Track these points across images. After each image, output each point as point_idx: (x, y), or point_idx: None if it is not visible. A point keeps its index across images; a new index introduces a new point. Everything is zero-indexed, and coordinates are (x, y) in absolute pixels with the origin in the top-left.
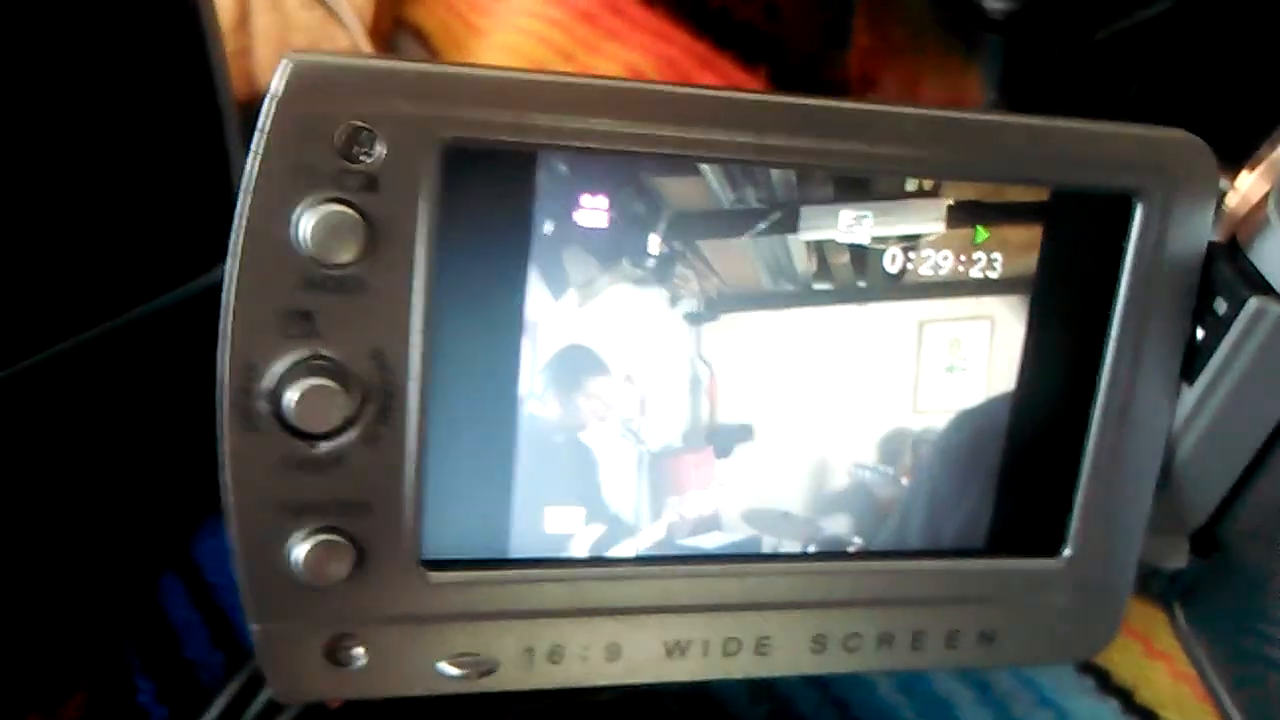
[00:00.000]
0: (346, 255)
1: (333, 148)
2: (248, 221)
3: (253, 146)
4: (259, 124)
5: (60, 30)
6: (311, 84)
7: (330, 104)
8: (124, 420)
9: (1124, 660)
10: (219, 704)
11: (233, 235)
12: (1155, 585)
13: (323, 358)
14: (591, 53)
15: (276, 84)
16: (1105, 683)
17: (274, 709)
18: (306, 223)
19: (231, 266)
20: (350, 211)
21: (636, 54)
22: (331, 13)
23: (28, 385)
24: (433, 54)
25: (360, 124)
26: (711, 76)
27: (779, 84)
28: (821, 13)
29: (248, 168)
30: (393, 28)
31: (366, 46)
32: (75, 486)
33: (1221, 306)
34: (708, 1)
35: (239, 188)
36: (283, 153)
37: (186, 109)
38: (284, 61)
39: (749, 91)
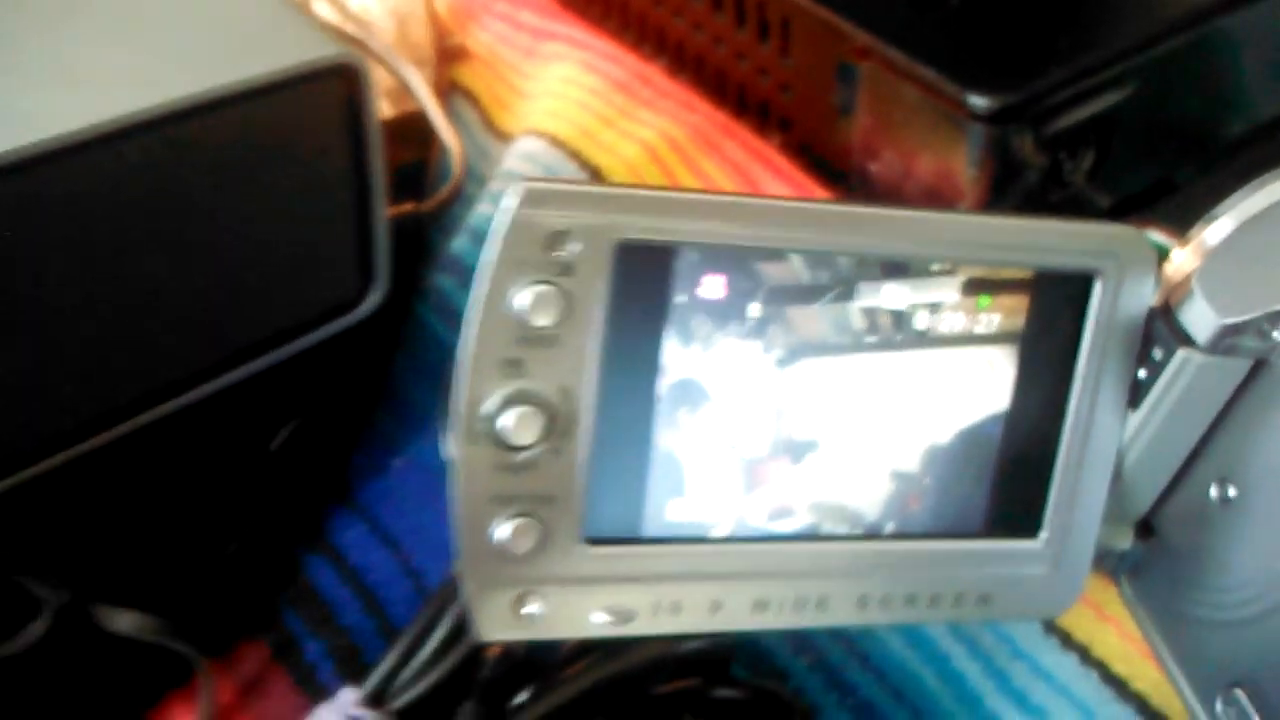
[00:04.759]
0: (548, 320)
1: (543, 244)
2: (481, 295)
3: (489, 240)
4: (494, 225)
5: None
6: (533, 200)
7: (544, 214)
8: (274, 431)
9: (1081, 623)
10: (398, 648)
11: (469, 306)
12: (1106, 563)
13: (527, 391)
14: (628, 119)
15: (510, 199)
16: (1067, 640)
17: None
18: (522, 296)
19: (467, 327)
20: (552, 289)
21: (667, 121)
22: (390, 70)
23: (217, 403)
24: (482, 114)
25: (563, 229)
26: (732, 142)
27: (791, 150)
28: (829, 93)
29: (483, 257)
30: (449, 89)
31: (431, 101)
32: (238, 478)
33: (1158, 354)
34: (727, 77)
35: (377, 248)
36: (509, 247)
37: (348, 188)
38: (519, 185)
39: (824, 202)
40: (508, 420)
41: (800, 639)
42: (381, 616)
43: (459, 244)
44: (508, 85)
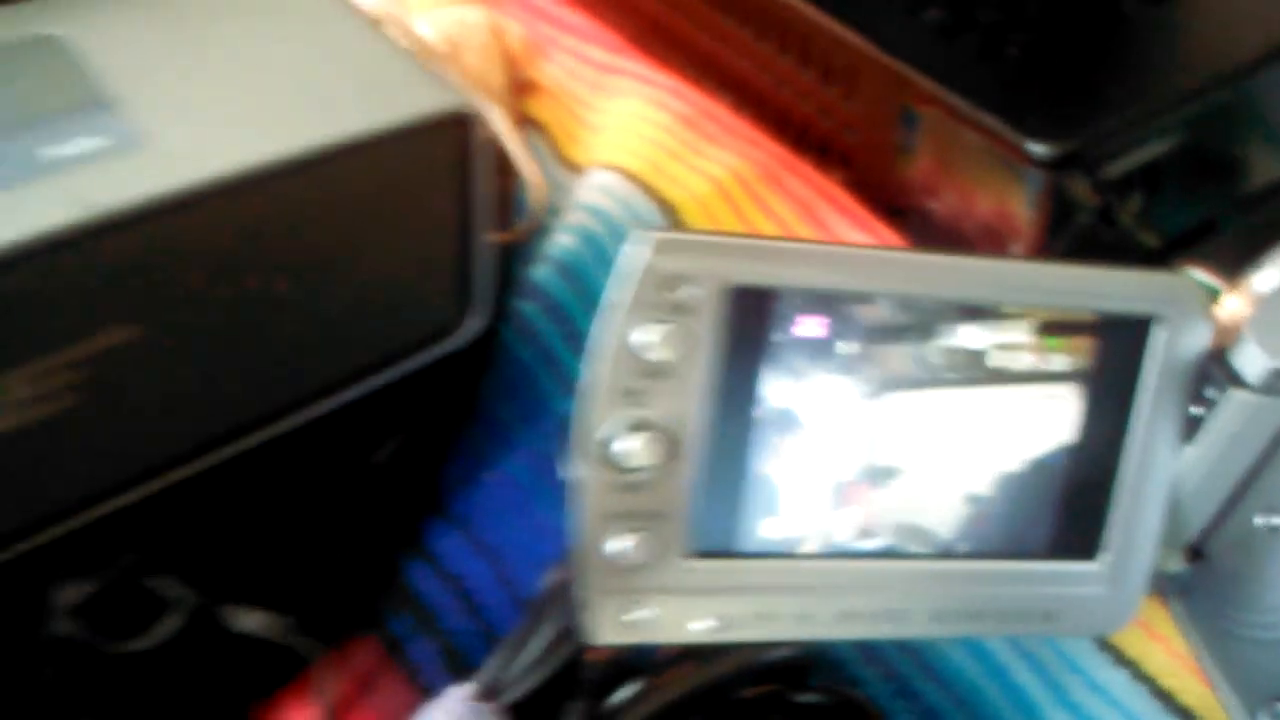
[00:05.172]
0: (666, 355)
1: (666, 288)
2: (607, 332)
3: (614, 284)
4: (619, 269)
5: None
6: (662, 249)
7: (670, 261)
8: (380, 446)
9: (1132, 641)
10: (506, 648)
11: (592, 341)
12: (1158, 584)
13: (643, 419)
14: (696, 154)
15: (641, 247)
16: (1119, 657)
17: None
18: (644, 334)
19: (593, 361)
20: (671, 327)
21: (734, 157)
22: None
23: (331, 419)
24: (552, 145)
25: (685, 274)
26: (798, 179)
27: (853, 187)
28: (891, 134)
29: (609, 297)
30: (518, 121)
31: (510, 133)
32: (346, 490)
33: (1211, 393)
34: (790, 115)
35: (480, 280)
36: (637, 290)
37: (455, 225)
38: (646, 233)
39: (910, 252)
40: (626, 445)
41: (871, 650)
42: (481, 620)
43: (542, 273)
44: (575, 118)
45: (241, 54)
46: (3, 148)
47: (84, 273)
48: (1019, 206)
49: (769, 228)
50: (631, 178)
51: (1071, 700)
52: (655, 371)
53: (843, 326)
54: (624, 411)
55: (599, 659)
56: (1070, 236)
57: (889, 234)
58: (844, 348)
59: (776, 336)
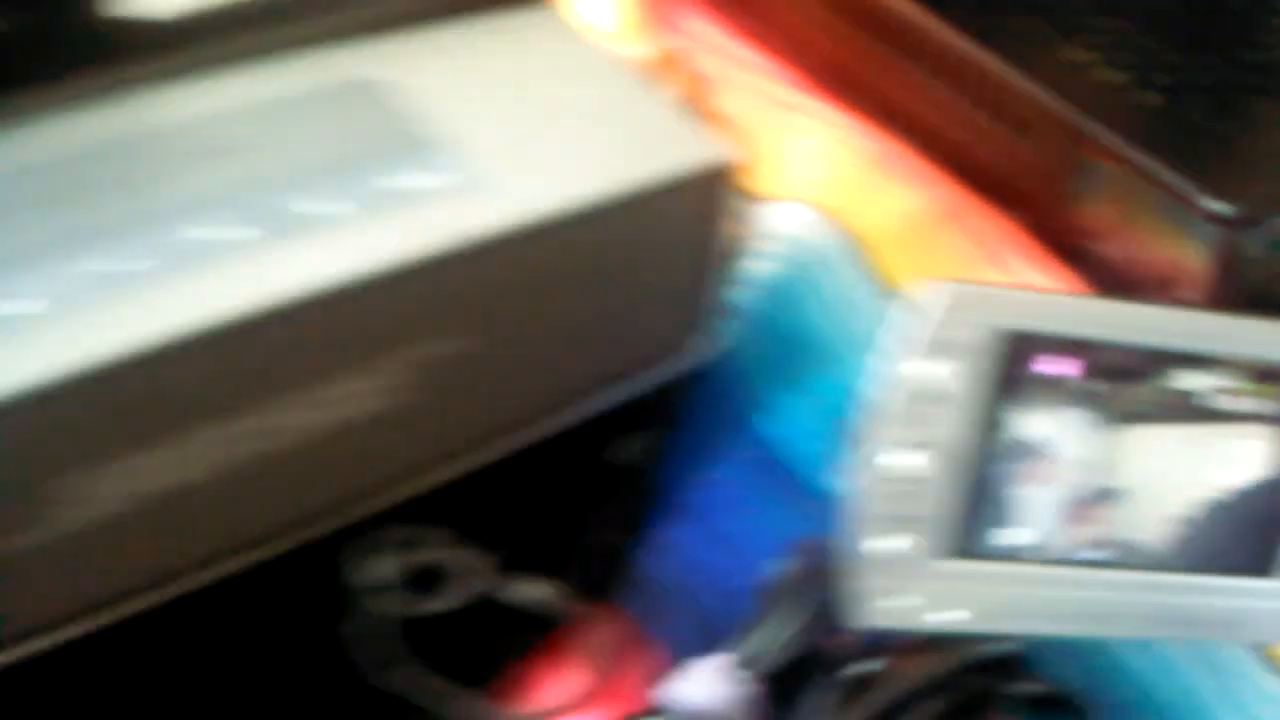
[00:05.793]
0: (939, 384)
1: (950, 328)
2: (892, 366)
3: (900, 325)
4: (912, 310)
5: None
6: (954, 299)
7: (957, 308)
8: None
9: None
10: (758, 624)
11: (878, 375)
12: None
13: (913, 438)
14: (881, 191)
15: (932, 294)
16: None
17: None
18: (923, 367)
19: (876, 388)
20: (947, 362)
21: (916, 195)
22: None
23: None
24: None
25: (966, 319)
26: (977, 219)
27: (1030, 229)
28: (1068, 180)
29: (893, 336)
30: None
31: None
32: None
33: None
34: (969, 157)
35: (714, 306)
36: (926, 328)
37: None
38: (941, 283)
39: (1144, 304)
40: (901, 460)
41: (1070, 649)
42: (719, 601)
43: (742, 296)
44: (756, 152)
45: (536, 103)
46: (347, 180)
47: (426, 290)
48: (1193, 260)
49: (952, 265)
50: (823, 210)
51: (1239, 700)
52: (933, 399)
53: (1088, 366)
54: (903, 431)
55: (840, 639)
56: (1240, 289)
57: (1065, 275)
58: (1087, 385)
59: (1033, 373)
